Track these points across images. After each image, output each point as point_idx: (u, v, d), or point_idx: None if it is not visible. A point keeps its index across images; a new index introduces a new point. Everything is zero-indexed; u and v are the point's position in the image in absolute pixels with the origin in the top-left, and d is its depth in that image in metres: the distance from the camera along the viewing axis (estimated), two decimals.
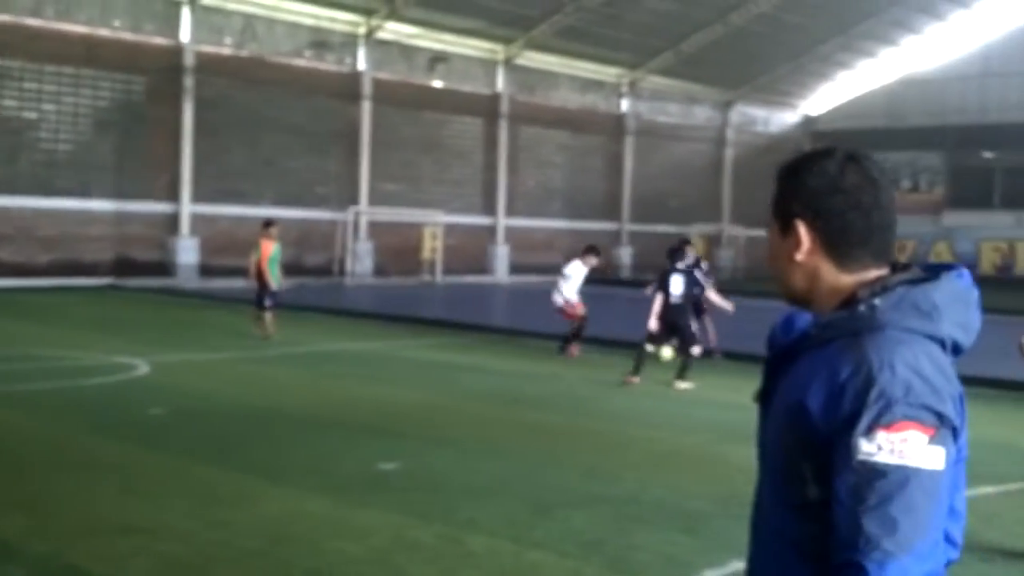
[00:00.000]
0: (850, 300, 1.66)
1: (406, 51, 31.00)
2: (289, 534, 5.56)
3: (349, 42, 29.79)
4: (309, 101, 28.73)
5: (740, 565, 3.44)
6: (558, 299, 14.20)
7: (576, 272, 14.31)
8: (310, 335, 15.86)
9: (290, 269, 27.82)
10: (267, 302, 14.88)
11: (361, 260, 29.60)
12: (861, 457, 1.50)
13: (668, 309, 11.56)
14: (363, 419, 9.01)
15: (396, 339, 15.56)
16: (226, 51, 27.30)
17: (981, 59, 39.72)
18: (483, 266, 33.30)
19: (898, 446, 1.50)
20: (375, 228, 30.29)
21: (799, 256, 1.74)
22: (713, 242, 40.95)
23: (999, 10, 38.34)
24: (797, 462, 1.61)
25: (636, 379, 11.29)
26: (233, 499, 6.28)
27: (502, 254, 33.58)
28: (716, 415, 9.63)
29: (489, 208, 33.70)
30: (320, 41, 29.07)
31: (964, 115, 39.98)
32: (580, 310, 14.14)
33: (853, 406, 1.53)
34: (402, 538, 5.52)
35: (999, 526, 6.04)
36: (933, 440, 1.50)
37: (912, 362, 1.54)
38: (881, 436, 1.49)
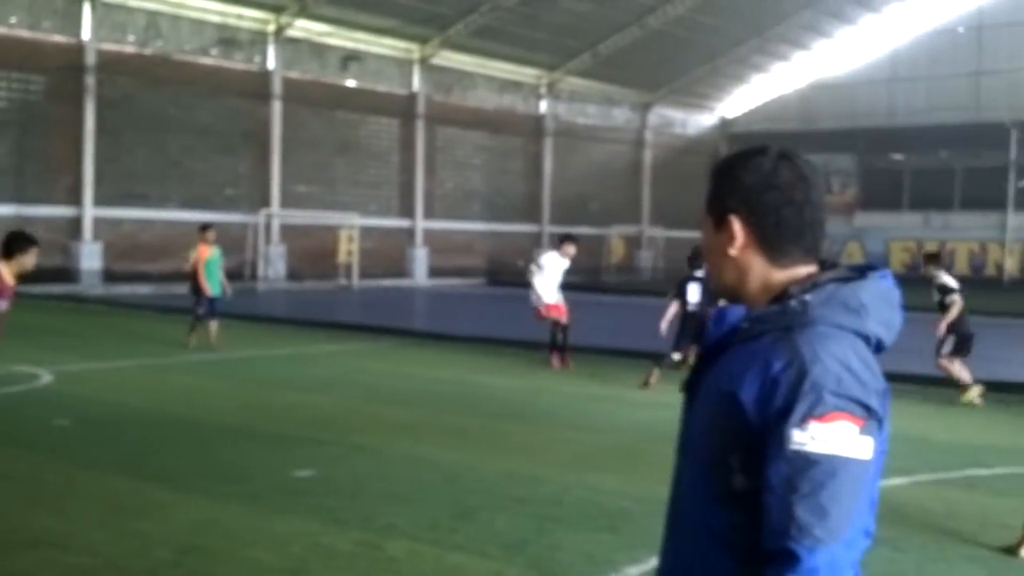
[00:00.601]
0: (781, 295, 1.70)
1: (318, 49, 30.56)
2: (203, 544, 5.39)
3: (258, 40, 29.23)
4: (217, 101, 28.10)
5: None
6: (532, 296, 12.72)
7: (552, 264, 12.56)
8: (222, 341, 15.46)
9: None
10: (200, 310, 14.12)
11: (274, 264, 29.08)
12: (794, 447, 1.53)
13: (687, 317, 11.43)
14: (278, 426, 8.80)
15: (311, 344, 15.29)
16: (129, 49, 26.52)
17: (889, 64, 40.90)
18: (401, 269, 33.04)
19: (829, 436, 1.53)
20: (288, 231, 29.78)
21: (732, 251, 1.77)
22: (633, 243, 41.42)
23: (907, 15, 39.56)
24: (725, 452, 1.63)
25: (653, 379, 11.13)
26: (144, 509, 6.06)
27: (421, 257, 33.35)
28: (639, 414, 9.68)
29: (407, 210, 33.44)
30: (227, 39, 28.44)
31: (873, 118, 41.09)
32: (558, 312, 12.65)
33: (787, 398, 1.56)
34: (319, 545, 5.38)
35: (909, 516, 6.18)
36: (862, 431, 1.55)
37: (842, 357, 1.58)
38: (813, 426, 1.53)
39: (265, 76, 29.32)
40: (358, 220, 30.83)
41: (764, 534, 1.55)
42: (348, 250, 30.62)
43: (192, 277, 14.39)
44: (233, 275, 28.16)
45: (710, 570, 1.67)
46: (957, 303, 10.62)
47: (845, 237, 41.02)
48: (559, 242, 12.93)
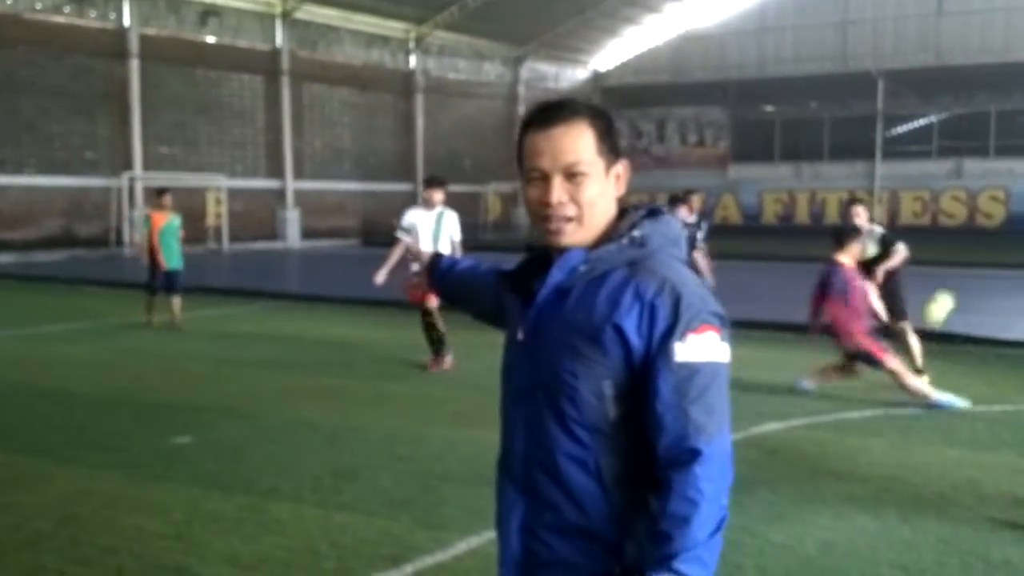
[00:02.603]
0: (610, 233, 1.89)
1: (174, 4, 29.43)
2: (82, 514, 5.36)
3: None
4: (71, 60, 26.82)
5: None
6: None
7: (423, 221, 9.81)
8: (88, 310, 15.03)
9: (61, 240, 26.40)
10: (156, 284, 12.85)
11: (139, 228, 28.05)
12: (679, 359, 1.76)
13: None
14: (152, 394, 8.69)
15: (182, 311, 14.98)
16: None
17: (757, 14, 41.17)
18: (273, 231, 32.43)
19: (704, 346, 1.79)
20: (152, 195, 28.77)
21: (620, 192, 1.94)
22: (510, 200, 41.59)
23: None
24: (599, 382, 1.80)
25: None
26: (17, 481, 5.97)
27: (292, 218, 32.77)
28: None
29: (276, 171, 32.76)
30: None
31: (744, 70, 41.39)
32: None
33: (668, 318, 1.78)
34: (202, 510, 5.41)
35: (785, 459, 6.53)
36: (722, 338, 1.82)
37: (692, 279, 1.85)
38: (691, 339, 1.77)
39: (121, 33, 28.11)
40: (225, 182, 30.06)
41: (663, 442, 1.76)
42: (216, 213, 29.87)
43: (148, 249, 12.97)
44: (97, 241, 27.34)
45: (577, 499, 1.82)
46: (902, 252, 9.21)
47: (719, 190, 41.65)
48: (427, 187, 10.05)
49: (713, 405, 1.77)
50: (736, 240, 29.29)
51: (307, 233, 32.76)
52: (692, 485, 1.74)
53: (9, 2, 25.61)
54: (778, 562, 4.70)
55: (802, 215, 41.03)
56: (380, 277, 9.59)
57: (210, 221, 29.72)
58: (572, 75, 44.98)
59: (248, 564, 4.67)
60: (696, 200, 12.49)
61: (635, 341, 1.78)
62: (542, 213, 1.88)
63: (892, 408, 8.05)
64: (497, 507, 2.02)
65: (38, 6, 26.19)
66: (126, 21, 28.19)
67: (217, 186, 29.81)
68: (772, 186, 41.79)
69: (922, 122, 39.92)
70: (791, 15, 40.61)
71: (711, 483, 1.75)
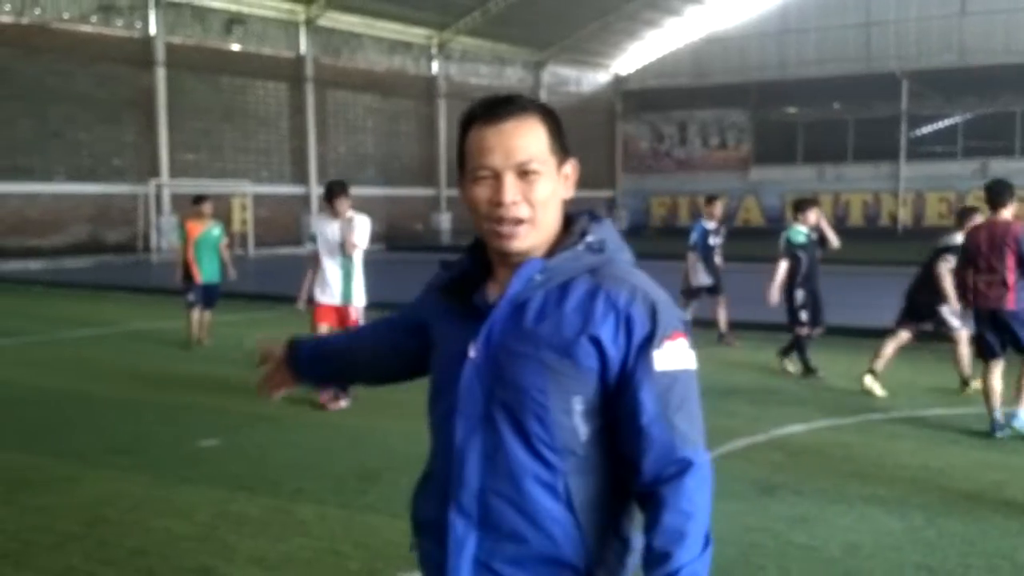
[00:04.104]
0: (561, 238, 1.77)
1: (200, 13, 29.72)
2: (110, 515, 5.43)
3: (138, 5, 28.26)
4: (98, 69, 27.15)
5: None
6: (323, 291, 8.85)
7: (362, 232, 8.69)
8: (116, 315, 15.19)
9: (89, 247, 26.70)
10: (189, 297, 11.79)
11: (166, 235, 28.40)
12: (660, 368, 1.68)
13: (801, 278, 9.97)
14: (179, 398, 8.78)
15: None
16: (6, 19, 25.41)
17: (780, 16, 41.04)
18: (297, 237, 32.56)
19: (679, 353, 1.71)
20: (179, 201, 29.03)
21: (569, 194, 1.81)
22: None
23: None
24: (568, 397, 1.68)
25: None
26: (48, 484, 6.05)
27: None
28: None
29: (300, 176, 32.96)
30: (107, 5, 27.44)
31: (765, 72, 41.24)
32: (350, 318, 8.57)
33: (647, 327, 1.69)
34: (228, 512, 5.47)
35: (809, 462, 6.49)
36: (690, 344, 1.74)
37: (655, 285, 1.76)
38: (668, 346, 1.69)
39: (147, 42, 28.41)
40: (250, 188, 30.30)
41: (649, 457, 1.66)
42: (242, 219, 30.10)
43: (183, 261, 12.03)
44: (125, 248, 27.63)
45: (546, 527, 1.70)
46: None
47: (741, 192, 41.45)
48: (327, 197, 8.76)
49: (693, 413, 1.70)
50: (758, 243, 29.07)
51: None
52: (686, 497, 1.65)
53: (37, 12, 25.96)
54: (802, 564, 4.68)
55: (826, 217, 40.62)
56: (301, 303, 9.01)
57: (235, 227, 29.94)
58: (593, 79, 44.94)
59: (274, 565, 4.72)
60: (718, 205, 12.36)
61: (612, 352, 1.68)
62: (493, 214, 1.71)
63: (917, 410, 8.01)
64: (429, 546, 1.84)
65: (66, 15, 26.53)
66: (152, 30, 28.48)
67: (243, 192, 30.03)
68: (795, 188, 41.15)
69: (947, 123, 39.52)
70: (813, 17, 40.43)
71: (702, 494, 1.67)
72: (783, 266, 9.57)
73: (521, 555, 1.70)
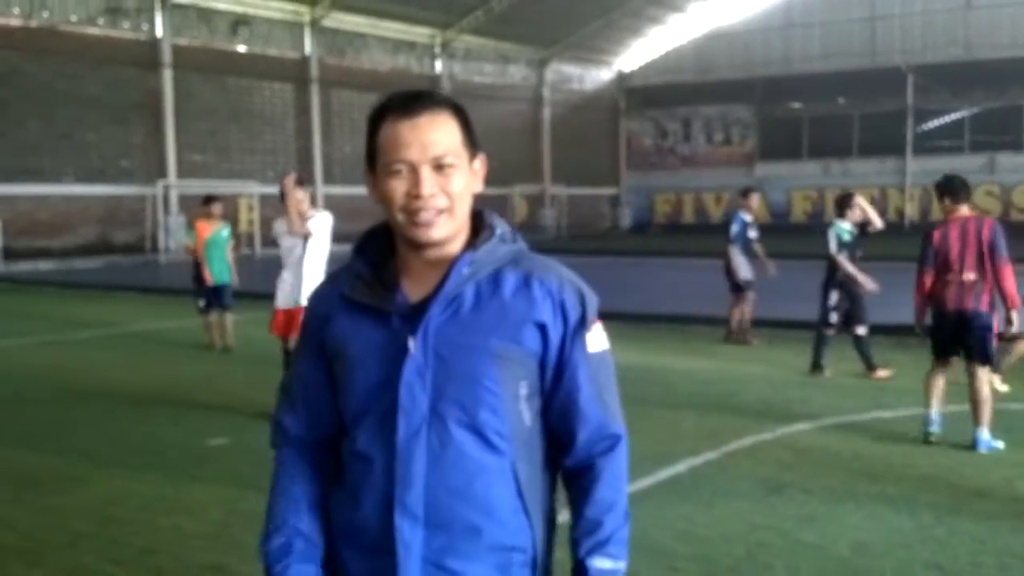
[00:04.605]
0: (475, 230, 1.80)
1: (205, 15, 29.77)
2: (120, 515, 5.46)
3: (145, 7, 28.33)
4: (106, 71, 27.25)
5: None
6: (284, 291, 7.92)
7: (321, 229, 8.39)
8: (125, 315, 15.24)
9: (98, 247, 26.81)
10: (200, 303, 11.72)
11: (174, 235, 28.47)
12: (591, 350, 1.80)
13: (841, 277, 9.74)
14: (188, 397, 8.81)
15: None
16: (15, 22, 25.56)
17: (784, 10, 40.86)
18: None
19: (602, 336, 1.84)
20: (186, 201, 29.12)
21: (479, 188, 1.82)
22: (536, 202, 41.61)
23: None
24: (515, 386, 1.73)
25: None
26: (58, 483, 6.09)
27: None
28: None
29: (306, 176, 32.87)
30: (114, 7, 27.52)
31: (770, 67, 41.01)
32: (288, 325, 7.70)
33: (578, 311, 1.79)
34: (237, 511, 5.49)
35: (815, 459, 6.46)
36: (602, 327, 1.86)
37: (573, 273, 1.86)
38: (595, 329, 1.81)
39: (154, 44, 28.49)
40: (257, 188, 30.35)
41: (584, 433, 1.78)
42: (249, 219, 30.19)
43: (194, 262, 11.87)
44: (133, 248, 27.71)
45: (499, 515, 1.72)
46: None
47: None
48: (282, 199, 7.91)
49: (615, 391, 1.84)
50: (764, 238, 29.04)
51: (337, 237, 32.80)
52: (617, 469, 1.80)
53: (45, 15, 26.06)
54: (810, 563, 4.66)
55: (832, 212, 40.45)
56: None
57: (242, 227, 30.02)
58: (597, 76, 44.84)
59: None
60: (755, 197, 12.08)
61: (553, 336, 1.75)
62: (411, 206, 1.71)
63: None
64: (352, 555, 1.79)
65: (73, 18, 26.62)
66: (159, 32, 28.55)
67: (249, 193, 30.09)
68: (800, 184, 41.25)
69: (953, 117, 39.32)
70: (818, 11, 40.26)
71: (625, 466, 1.82)
72: (845, 258, 9.46)
73: (473, 548, 1.71)
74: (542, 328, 1.75)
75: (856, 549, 4.83)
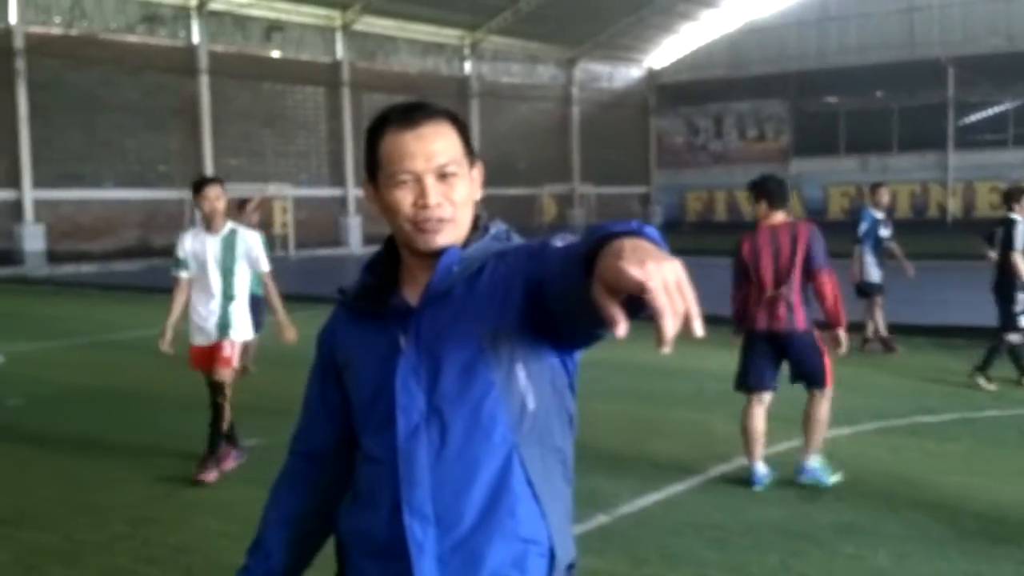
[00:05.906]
0: (470, 236, 1.79)
1: (240, 21, 30.10)
2: (156, 515, 5.56)
3: (181, 15, 28.73)
4: (144, 78, 27.69)
5: None
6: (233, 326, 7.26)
7: (252, 247, 7.38)
8: (164, 317, 15.36)
9: (138, 251, 27.18)
10: None
11: None
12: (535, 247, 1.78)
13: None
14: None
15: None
16: (56, 31, 26.12)
17: (819, 3, 40.22)
18: (336, 238, 32.90)
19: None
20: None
21: (478, 196, 1.84)
22: (565, 202, 41.50)
23: None
24: (511, 367, 1.69)
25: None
26: (98, 484, 6.21)
27: (354, 225, 33.20)
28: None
29: (337, 179, 33.23)
30: (151, 15, 27.97)
31: (804, 61, 40.43)
32: (228, 360, 7.11)
33: (515, 248, 1.79)
34: None
35: (854, 466, 6.24)
36: None
37: None
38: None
39: (191, 51, 28.86)
40: (290, 191, 30.63)
41: (554, 260, 1.63)
42: (283, 221, 30.46)
43: None
44: (171, 251, 27.92)
45: (508, 504, 1.68)
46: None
47: None
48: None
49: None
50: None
51: (369, 239, 33.13)
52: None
53: (85, 23, 26.52)
54: (848, 573, 4.55)
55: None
56: (165, 343, 7.02)
57: (276, 230, 30.29)
58: (626, 74, 44.52)
59: (315, 562, 4.74)
60: (884, 192, 11.12)
61: (519, 281, 1.69)
62: (418, 216, 1.72)
63: (969, 412, 7.72)
64: (379, 562, 1.77)
65: (112, 26, 27.07)
66: (195, 39, 28.90)
67: (283, 195, 30.35)
68: (837, 180, 40.38)
69: (996, 110, 38.48)
70: (854, 3, 39.60)
71: None
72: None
73: (486, 543, 1.68)
74: (519, 284, 1.67)
75: (895, 560, 4.69)
